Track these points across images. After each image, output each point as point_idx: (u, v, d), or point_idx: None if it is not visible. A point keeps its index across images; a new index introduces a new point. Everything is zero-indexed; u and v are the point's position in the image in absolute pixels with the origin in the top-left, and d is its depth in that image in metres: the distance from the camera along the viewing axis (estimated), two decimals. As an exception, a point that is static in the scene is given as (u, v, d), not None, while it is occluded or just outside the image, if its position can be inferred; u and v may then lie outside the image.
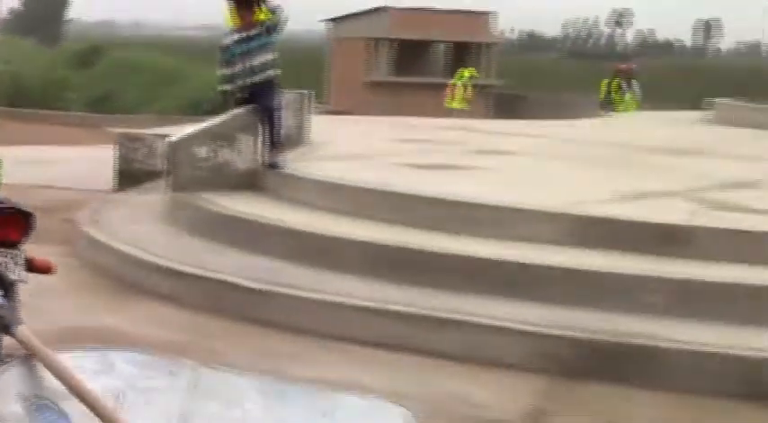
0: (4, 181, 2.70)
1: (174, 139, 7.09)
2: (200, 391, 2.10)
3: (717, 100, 14.87)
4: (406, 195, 6.01)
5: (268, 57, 6.92)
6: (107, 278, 5.84)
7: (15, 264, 2.41)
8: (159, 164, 7.88)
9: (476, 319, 4.67)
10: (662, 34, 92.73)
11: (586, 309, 4.79)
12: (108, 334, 4.57)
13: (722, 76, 29.58)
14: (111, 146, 9.17)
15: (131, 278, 5.76)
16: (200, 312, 5.09)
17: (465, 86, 20.39)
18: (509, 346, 4.55)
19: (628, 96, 18.91)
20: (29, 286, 2.43)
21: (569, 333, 4.55)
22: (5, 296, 2.33)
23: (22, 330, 2.18)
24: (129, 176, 8.60)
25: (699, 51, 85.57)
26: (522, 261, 5.08)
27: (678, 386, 4.32)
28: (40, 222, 2.49)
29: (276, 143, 7.05)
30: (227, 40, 6.97)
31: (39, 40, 46.10)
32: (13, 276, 2.39)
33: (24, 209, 2.45)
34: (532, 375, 4.32)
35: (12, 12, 60.24)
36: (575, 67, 41.64)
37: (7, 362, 2.10)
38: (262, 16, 6.82)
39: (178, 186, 6.85)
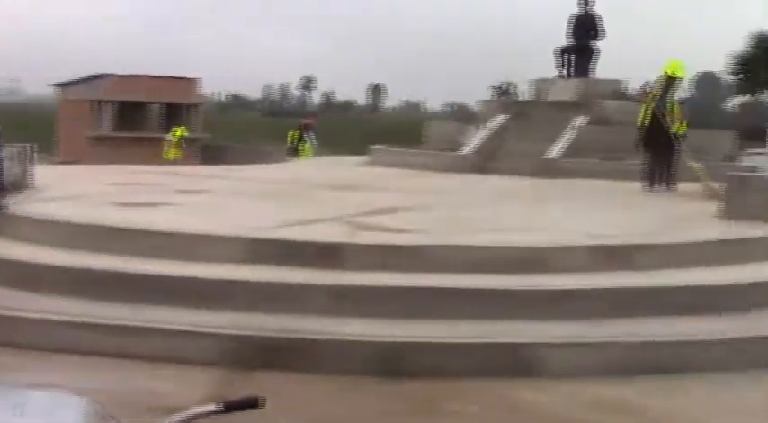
0: None
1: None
2: None
3: (374, 146, 15.70)
4: (109, 227, 5.94)
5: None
6: None
7: None
8: None
9: (167, 326, 4.71)
10: (342, 95, 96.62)
11: (262, 313, 4.94)
12: None
13: (387, 127, 31.19)
14: None
15: None
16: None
17: (178, 140, 20.37)
18: (193, 346, 4.63)
19: (307, 145, 19.63)
20: None
21: (244, 333, 4.69)
22: None
23: None
24: None
25: (371, 108, 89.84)
26: (208, 277, 5.18)
27: (331, 369, 4.51)
28: None
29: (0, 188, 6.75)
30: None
31: None
32: None
33: None
34: (213, 369, 4.41)
35: None
36: (272, 122, 42.25)
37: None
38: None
39: None
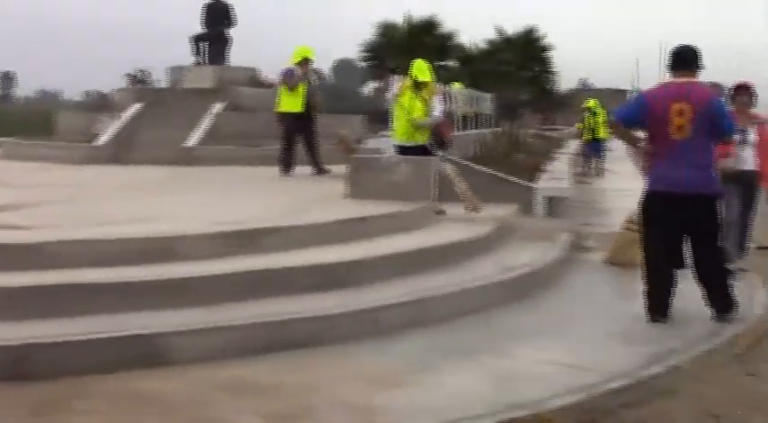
0: None
1: None
2: None
3: (2, 139, 14.61)
4: None
5: None
6: None
7: None
8: None
9: None
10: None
11: None
12: None
13: (20, 118, 28.77)
14: None
15: None
16: None
17: None
18: None
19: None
20: None
21: None
22: None
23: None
24: None
25: (3, 98, 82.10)
26: None
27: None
28: None
29: None
30: None
31: None
32: None
33: None
34: None
35: None
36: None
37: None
38: None
39: None
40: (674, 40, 6.33)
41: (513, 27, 44.37)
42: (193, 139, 13.23)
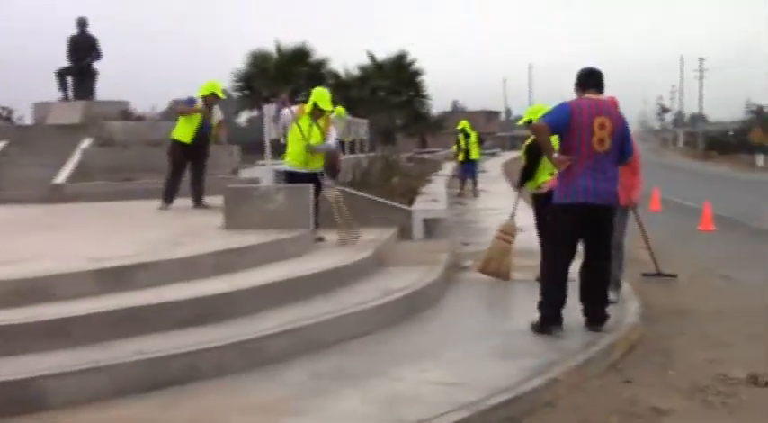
0: None
1: None
2: None
3: None
4: None
5: None
6: None
7: None
8: None
9: None
10: None
11: None
12: None
13: None
14: None
15: None
16: None
17: None
18: None
19: None
20: None
21: None
22: None
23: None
24: None
25: None
26: None
27: None
28: None
29: None
30: None
31: None
32: None
33: None
34: None
35: None
36: None
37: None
38: None
39: None
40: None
41: (385, 52, 45.14)
42: (62, 175, 12.80)
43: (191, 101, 11.00)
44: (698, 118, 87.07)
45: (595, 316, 6.07)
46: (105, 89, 16.28)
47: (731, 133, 64.07)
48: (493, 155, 51.88)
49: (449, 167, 27.36)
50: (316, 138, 8.66)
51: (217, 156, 11.77)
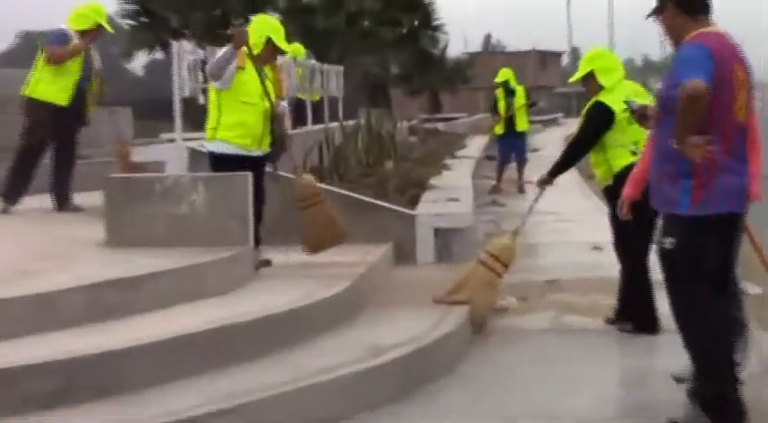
0: None
1: None
2: None
3: None
4: None
5: None
6: None
7: None
8: None
9: None
10: None
11: None
12: None
13: None
14: None
15: None
16: None
17: None
18: None
19: None
20: None
21: None
22: None
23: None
24: None
25: None
26: None
27: None
28: None
29: None
30: None
31: None
32: None
33: None
34: None
35: None
36: None
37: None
38: None
39: None
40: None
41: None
42: None
43: (61, 37, 10.99)
44: None
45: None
46: None
47: None
48: (549, 123, 51.92)
49: (477, 144, 27.42)
50: (271, 94, 8.69)
51: (92, 125, 11.77)
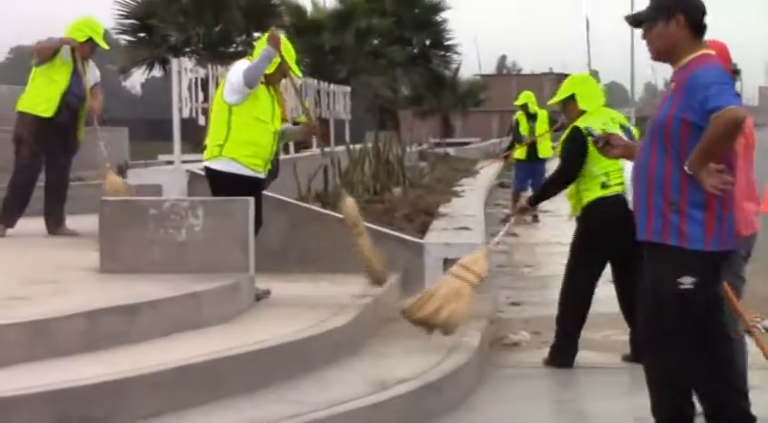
0: None
1: None
2: None
3: None
4: None
5: None
6: None
7: None
8: None
9: None
10: None
11: None
12: None
13: None
14: None
15: None
16: None
17: None
18: None
19: None
20: None
21: None
22: None
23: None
24: None
25: None
26: None
27: None
28: None
29: None
30: None
31: None
32: None
33: None
34: None
35: None
36: None
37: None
38: None
39: None
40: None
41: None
42: None
43: (50, 38, 11.07)
44: None
45: None
46: None
47: None
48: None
49: (490, 170, 27.46)
50: (278, 117, 8.75)
51: (85, 144, 11.79)
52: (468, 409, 7.26)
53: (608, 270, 8.42)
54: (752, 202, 6.73)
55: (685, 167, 5.51)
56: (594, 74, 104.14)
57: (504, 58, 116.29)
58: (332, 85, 20.27)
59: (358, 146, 18.75)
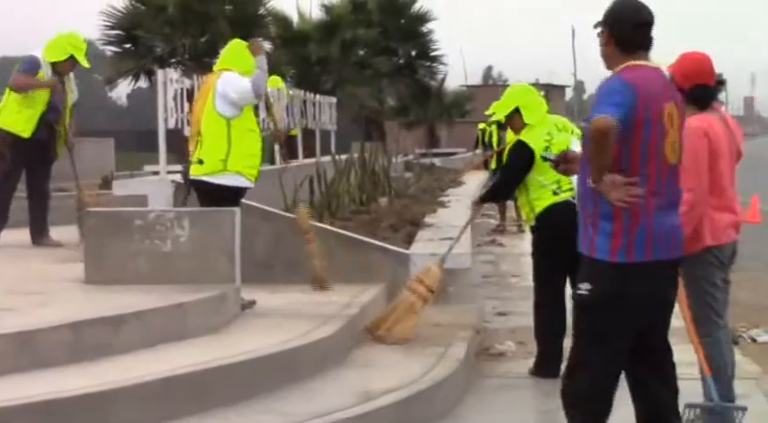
0: None
1: None
2: None
3: None
4: None
5: None
6: None
7: None
8: None
9: None
10: None
11: None
12: None
13: None
14: None
15: None
16: None
17: None
18: None
19: None
20: None
21: None
22: None
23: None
24: None
25: None
26: None
27: None
28: None
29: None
30: None
31: None
32: None
33: None
34: None
35: None
36: None
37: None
38: None
39: None
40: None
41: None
42: None
43: (30, 65, 11.02)
44: None
45: None
46: None
47: None
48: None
49: (476, 180, 27.46)
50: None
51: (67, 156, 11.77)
52: (454, 418, 7.27)
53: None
54: (725, 212, 6.79)
55: (588, 181, 5.57)
56: (580, 84, 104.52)
57: (490, 68, 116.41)
58: (318, 96, 20.29)
59: (344, 156, 18.73)
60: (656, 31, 5.79)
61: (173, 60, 31.10)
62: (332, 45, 38.34)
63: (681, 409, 6.03)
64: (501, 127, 20.63)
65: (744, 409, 6.63)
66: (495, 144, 20.66)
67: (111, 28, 35.75)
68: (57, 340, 6.68)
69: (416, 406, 6.97)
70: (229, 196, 8.67)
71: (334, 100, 22.18)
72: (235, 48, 8.96)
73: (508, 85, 10.18)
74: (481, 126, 21.52)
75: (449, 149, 45.80)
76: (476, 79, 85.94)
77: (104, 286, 8.20)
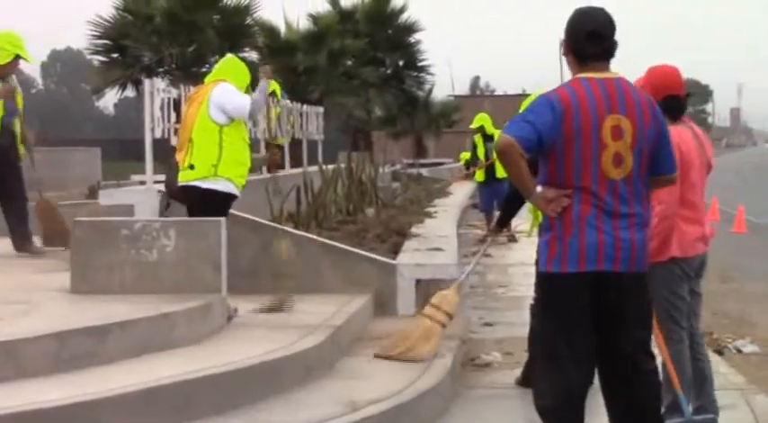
0: None
1: None
2: None
3: None
4: None
5: None
6: None
7: None
8: None
9: None
10: None
11: None
12: None
13: None
14: None
15: None
16: None
17: None
18: None
19: None
20: None
21: None
22: None
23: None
24: None
25: None
26: None
27: None
28: None
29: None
30: None
31: None
32: None
33: None
34: None
35: None
36: None
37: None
38: None
39: None
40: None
41: (354, -8, 45.12)
42: None
43: None
44: None
45: None
46: None
47: None
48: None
49: (463, 190, 27.52)
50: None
51: (48, 166, 11.78)
52: (440, 430, 7.25)
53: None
54: (695, 225, 6.81)
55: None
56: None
57: (477, 78, 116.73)
58: (305, 106, 20.25)
59: (331, 166, 18.73)
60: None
61: (160, 70, 31.02)
62: (319, 55, 38.32)
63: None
64: (487, 139, 20.72)
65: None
66: (481, 156, 20.63)
67: (99, 37, 35.66)
68: (41, 350, 6.66)
69: (402, 416, 6.96)
70: (219, 202, 8.77)
71: (321, 110, 22.15)
72: (233, 63, 9.20)
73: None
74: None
75: (436, 159, 45.86)
76: (463, 89, 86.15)
77: (90, 296, 8.19)
